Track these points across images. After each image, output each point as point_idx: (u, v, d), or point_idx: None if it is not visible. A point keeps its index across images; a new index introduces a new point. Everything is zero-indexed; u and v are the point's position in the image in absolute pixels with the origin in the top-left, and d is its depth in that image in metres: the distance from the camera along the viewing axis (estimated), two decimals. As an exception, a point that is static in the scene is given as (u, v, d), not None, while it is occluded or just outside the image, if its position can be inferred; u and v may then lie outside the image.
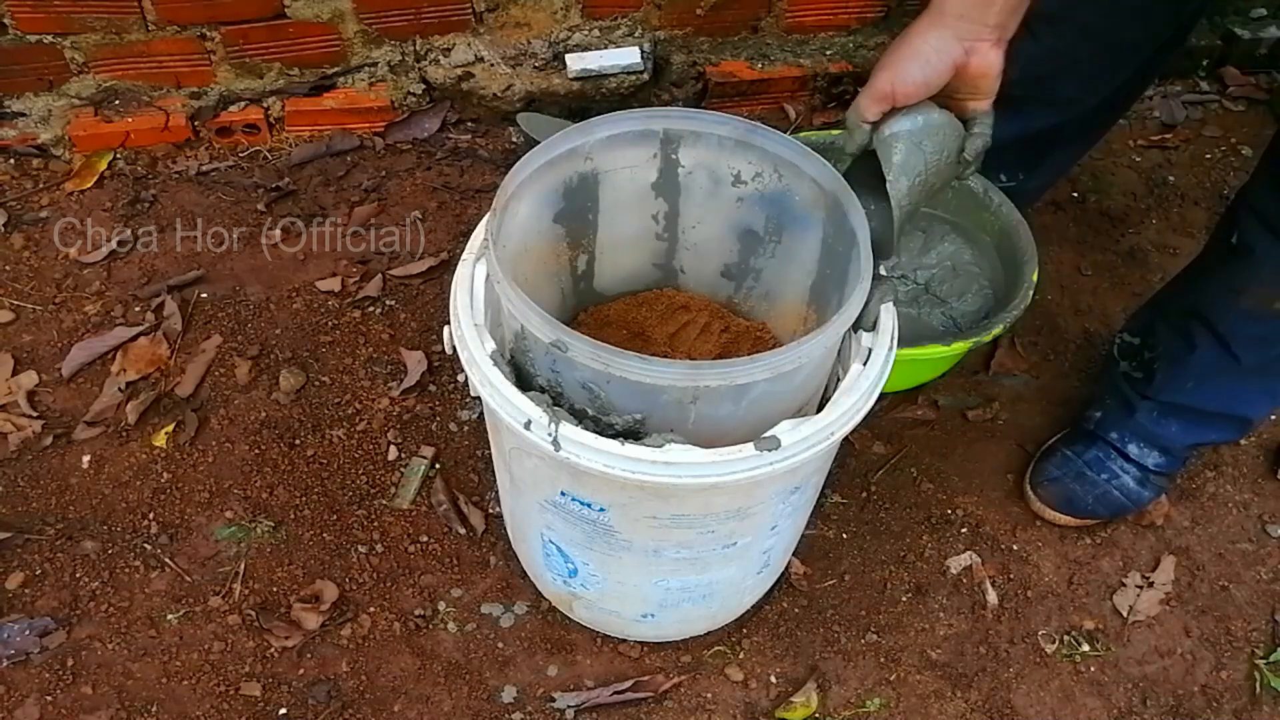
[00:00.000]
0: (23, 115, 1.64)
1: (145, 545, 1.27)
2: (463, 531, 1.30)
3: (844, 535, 1.33)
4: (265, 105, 1.69)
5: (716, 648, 1.23)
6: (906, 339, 1.22)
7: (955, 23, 0.84)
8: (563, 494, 0.94)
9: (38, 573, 1.24)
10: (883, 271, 0.92)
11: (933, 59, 0.85)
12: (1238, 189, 1.20)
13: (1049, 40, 1.19)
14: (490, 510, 1.32)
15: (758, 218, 1.07)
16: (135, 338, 1.45)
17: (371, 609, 1.24)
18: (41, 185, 1.63)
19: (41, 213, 1.60)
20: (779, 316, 1.13)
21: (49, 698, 1.16)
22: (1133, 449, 1.32)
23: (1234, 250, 1.15)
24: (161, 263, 1.55)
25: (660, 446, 0.83)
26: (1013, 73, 0.90)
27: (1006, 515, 1.35)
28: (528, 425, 0.84)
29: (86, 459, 1.34)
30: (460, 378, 1.43)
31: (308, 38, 1.64)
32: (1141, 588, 1.29)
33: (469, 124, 1.74)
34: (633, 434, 0.87)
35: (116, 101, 1.66)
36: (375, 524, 1.30)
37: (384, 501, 1.32)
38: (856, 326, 0.96)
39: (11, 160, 1.64)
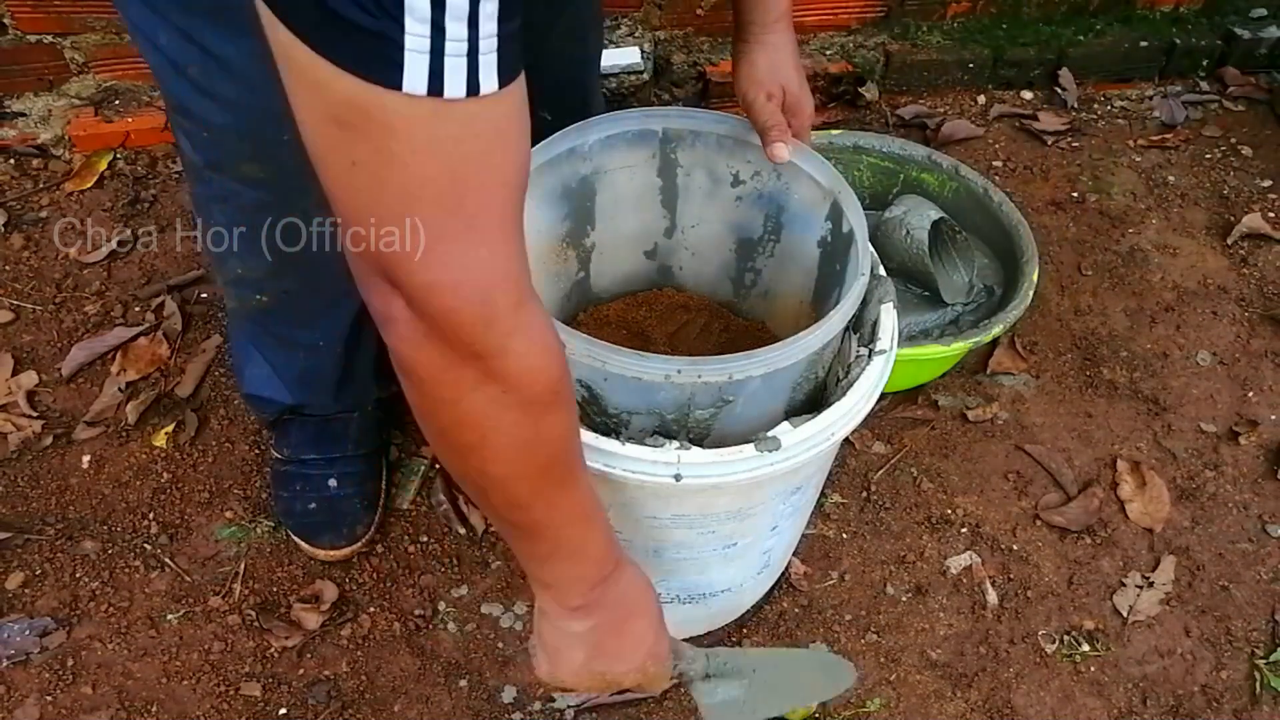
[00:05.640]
0: (23, 115, 1.64)
1: (145, 545, 1.27)
2: (463, 531, 1.30)
3: (844, 535, 1.33)
4: (265, 105, 1.69)
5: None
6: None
7: None
8: (562, 494, 0.94)
9: (38, 573, 1.24)
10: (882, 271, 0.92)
11: None
12: None
13: None
14: (490, 510, 1.32)
15: (756, 217, 1.07)
16: (135, 338, 1.45)
17: (371, 609, 1.24)
18: (41, 185, 1.63)
19: (41, 213, 1.60)
20: (779, 316, 1.13)
21: (49, 698, 1.16)
22: None
23: None
24: (161, 263, 1.55)
25: (660, 446, 0.84)
26: None
27: (1006, 515, 1.35)
28: (527, 425, 0.84)
29: (86, 459, 1.34)
30: (460, 378, 1.43)
31: (308, 38, 1.64)
32: (1141, 588, 1.29)
33: (469, 124, 1.74)
34: (632, 434, 0.87)
35: (116, 101, 1.66)
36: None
37: (384, 501, 1.32)
38: (857, 326, 0.96)
39: (11, 160, 1.64)
